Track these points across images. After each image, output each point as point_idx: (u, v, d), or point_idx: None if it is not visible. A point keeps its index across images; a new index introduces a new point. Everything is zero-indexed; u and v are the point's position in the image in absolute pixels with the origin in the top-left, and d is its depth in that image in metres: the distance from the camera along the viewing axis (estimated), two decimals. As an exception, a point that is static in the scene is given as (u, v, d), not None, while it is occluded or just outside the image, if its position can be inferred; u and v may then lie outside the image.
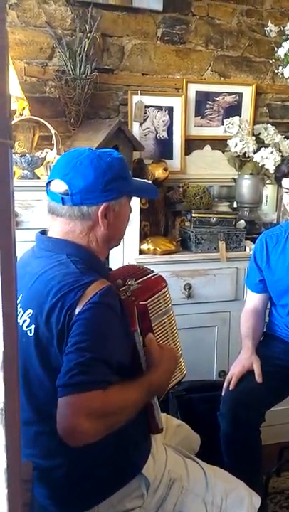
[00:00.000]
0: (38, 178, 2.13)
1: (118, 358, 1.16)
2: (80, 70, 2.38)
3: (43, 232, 1.34)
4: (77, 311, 1.13)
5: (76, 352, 1.08)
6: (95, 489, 1.25)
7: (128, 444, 1.28)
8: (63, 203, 1.25)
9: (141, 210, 2.31)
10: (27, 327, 1.19)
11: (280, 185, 1.92)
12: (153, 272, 1.45)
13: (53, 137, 2.19)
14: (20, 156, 2.09)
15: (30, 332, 1.18)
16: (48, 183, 1.30)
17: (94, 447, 1.15)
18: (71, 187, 1.24)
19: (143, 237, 2.36)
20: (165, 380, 1.31)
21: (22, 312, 1.21)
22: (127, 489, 1.28)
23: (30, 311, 1.20)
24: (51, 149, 2.21)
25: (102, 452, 1.21)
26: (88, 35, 2.39)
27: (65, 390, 1.05)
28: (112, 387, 1.09)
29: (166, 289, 1.42)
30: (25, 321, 1.20)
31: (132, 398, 1.16)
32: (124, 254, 2.27)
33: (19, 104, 2.30)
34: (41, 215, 1.33)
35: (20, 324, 1.19)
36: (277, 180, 1.93)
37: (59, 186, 1.26)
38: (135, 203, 2.24)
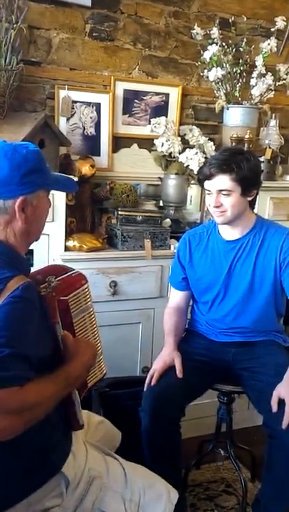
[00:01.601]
0: None
1: (39, 353, 1.15)
2: (5, 60, 2.31)
3: None
4: None
5: None
6: (12, 490, 1.23)
7: (47, 445, 1.27)
8: None
9: (67, 206, 2.29)
10: None
11: (202, 187, 1.97)
12: (73, 269, 1.45)
13: (-24, 129, 2.13)
14: None
15: None
16: None
17: (11, 449, 1.14)
18: None
19: (69, 234, 2.34)
20: (82, 371, 1.31)
21: None
22: (46, 488, 1.27)
23: None
24: (-27, 141, 2.13)
25: (20, 454, 1.20)
26: (14, 25, 2.33)
27: None
28: (29, 382, 1.08)
29: (86, 286, 1.42)
30: None
31: (49, 392, 1.16)
32: (49, 251, 2.24)
33: None
34: None
35: None
36: (200, 182, 1.98)
37: None
38: (61, 198, 2.22)
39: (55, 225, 2.23)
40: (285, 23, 2.84)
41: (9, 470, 1.21)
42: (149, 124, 2.71)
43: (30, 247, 1.42)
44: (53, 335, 1.27)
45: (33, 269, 1.43)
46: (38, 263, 2.10)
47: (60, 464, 1.30)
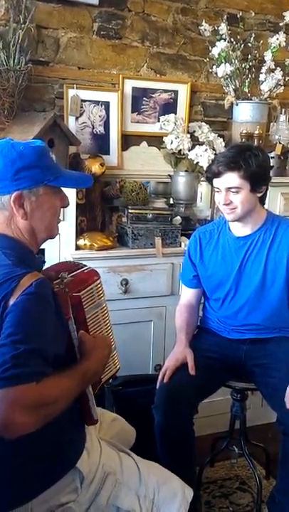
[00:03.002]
0: None
1: (54, 349, 1.15)
2: (13, 61, 2.32)
3: None
4: (11, 301, 1.12)
5: (10, 344, 1.07)
6: (28, 485, 1.23)
7: (62, 441, 1.28)
8: None
9: (77, 205, 2.30)
10: None
11: (211, 185, 1.97)
12: (85, 265, 1.46)
13: (-14, 129, 2.14)
14: None
15: None
16: None
17: (26, 445, 1.15)
18: None
19: (79, 233, 2.35)
20: (99, 368, 1.32)
21: None
22: (61, 484, 1.28)
23: None
24: (-17, 142, 2.15)
25: (35, 450, 1.21)
26: (22, 26, 2.34)
27: None
28: (46, 378, 1.09)
29: (98, 282, 1.42)
30: None
31: (66, 388, 1.16)
32: (60, 250, 2.25)
33: None
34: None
35: None
36: (209, 180, 1.97)
37: None
38: (71, 197, 2.22)
39: (66, 224, 2.23)
40: (294, 18, 2.82)
41: (24, 465, 1.21)
42: (158, 121, 2.72)
43: (42, 246, 1.42)
44: (67, 331, 1.27)
45: (45, 267, 1.44)
46: (50, 262, 2.09)
47: (74, 460, 1.31)
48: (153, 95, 2.79)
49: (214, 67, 2.74)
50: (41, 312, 1.14)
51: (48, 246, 2.14)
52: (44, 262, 1.50)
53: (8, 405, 1.03)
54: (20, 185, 1.25)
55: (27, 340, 1.08)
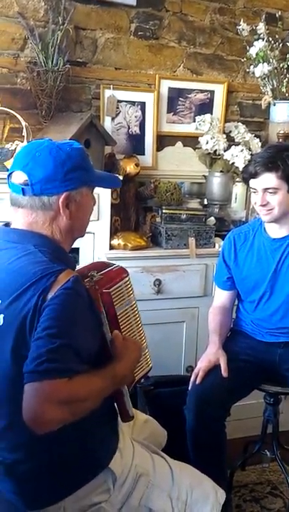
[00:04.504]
0: (8, 170, 2.10)
1: (88, 346, 1.16)
2: (52, 62, 2.35)
3: (7, 224, 1.33)
4: (49, 296, 1.13)
5: (46, 338, 1.07)
6: (60, 484, 1.25)
7: (94, 440, 1.28)
8: (24, 194, 1.26)
9: (112, 205, 2.30)
10: None
11: (247, 185, 1.95)
12: (114, 264, 1.47)
13: (24, 129, 2.17)
14: (-10, 148, 2.06)
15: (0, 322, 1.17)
16: (10, 175, 1.30)
17: (59, 443, 1.16)
18: (31, 177, 1.24)
19: (114, 233, 2.36)
20: (129, 370, 1.31)
21: None
22: (94, 484, 1.28)
23: None
24: (22, 141, 2.18)
25: (68, 448, 1.22)
26: (61, 27, 2.37)
27: (31, 376, 1.05)
28: (78, 375, 1.09)
29: (127, 279, 1.42)
30: None
31: (96, 388, 1.16)
32: (94, 249, 2.26)
33: (-11, 96, 2.26)
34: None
35: None
36: (245, 181, 1.95)
37: (19, 177, 1.26)
38: (106, 197, 2.24)
39: (100, 223, 2.25)
40: None
41: (56, 464, 1.23)
42: (194, 121, 2.71)
43: (77, 246, 1.44)
44: (101, 328, 1.28)
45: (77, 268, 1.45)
46: (84, 261, 2.13)
47: (107, 460, 1.31)
48: (189, 95, 2.78)
49: (252, 67, 2.71)
50: (78, 308, 1.15)
51: (82, 245, 2.16)
52: (77, 262, 1.51)
53: (40, 399, 1.04)
54: (68, 186, 1.27)
55: (63, 335, 1.09)
